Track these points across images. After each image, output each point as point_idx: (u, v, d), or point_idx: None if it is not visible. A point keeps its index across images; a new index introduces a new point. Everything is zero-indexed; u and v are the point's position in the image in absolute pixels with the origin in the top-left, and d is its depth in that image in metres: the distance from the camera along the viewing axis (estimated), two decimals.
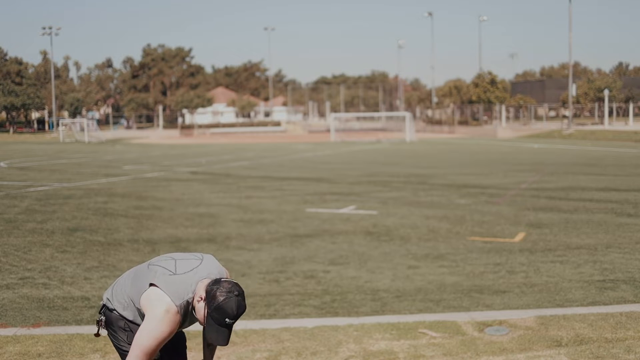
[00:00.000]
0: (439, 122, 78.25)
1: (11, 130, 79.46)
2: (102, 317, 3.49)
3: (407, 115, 58.59)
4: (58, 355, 5.34)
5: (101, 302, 3.57)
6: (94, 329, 6.06)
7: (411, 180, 20.11)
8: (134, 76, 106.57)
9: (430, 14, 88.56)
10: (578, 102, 68.24)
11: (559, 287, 7.43)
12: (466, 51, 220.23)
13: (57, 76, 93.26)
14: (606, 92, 62.22)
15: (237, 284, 3.23)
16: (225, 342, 3.19)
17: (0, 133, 76.40)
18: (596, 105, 67.46)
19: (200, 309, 3.21)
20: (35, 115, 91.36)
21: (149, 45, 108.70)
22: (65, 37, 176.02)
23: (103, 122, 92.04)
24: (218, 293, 3.15)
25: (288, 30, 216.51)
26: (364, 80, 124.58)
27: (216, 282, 3.22)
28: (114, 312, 3.44)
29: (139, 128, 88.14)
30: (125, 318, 3.41)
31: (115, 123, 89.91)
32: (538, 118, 75.85)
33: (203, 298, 3.20)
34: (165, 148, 46.19)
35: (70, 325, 6.27)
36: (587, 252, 9.25)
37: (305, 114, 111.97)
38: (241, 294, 3.19)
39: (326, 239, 10.50)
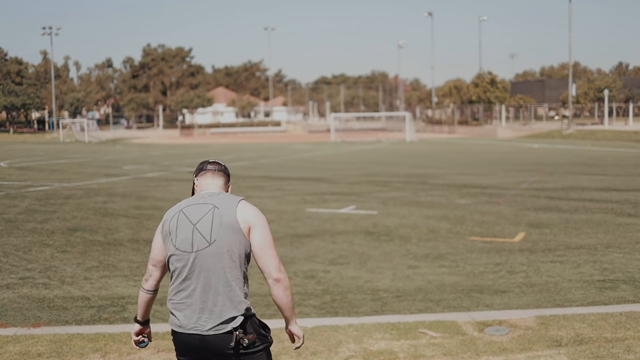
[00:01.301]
0: (439, 122, 78.25)
1: (11, 130, 79.47)
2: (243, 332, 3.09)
3: (407, 115, 58.59)
4: (58, 355, 5.35)
5: (236, 315, 3.08)
6: (94, 328, 6.06)
7: (411, 180, 20.12)
8: (134, 76, 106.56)
9: (430, 14, 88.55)
10: (578, 102, 68.25)
11: (559, 287, 7.44)
12: (466, 51, 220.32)
13: (57, 76, 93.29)
14: (606, 92, 62.23)
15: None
16: None
17: (1, 133, 76.41)
18: (596, 105, 67.47)
19: None
20: (35, 115, 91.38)
21: (149, 45, 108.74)
22: (65, 37, 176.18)
23: (103, 122, 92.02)
24: None
25: (288, 30, 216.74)
26: (364, 80, 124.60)
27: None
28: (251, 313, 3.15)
29: (139, 128, 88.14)
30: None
31: (115, 123, 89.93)
32: (538, 118, 75.86)
33: None
34: (165, 148, 46.19)
35: (70, 325, 6.28)
36: (587, 252, 9.25)
37: (305, 114, 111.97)
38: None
39: (326, 239, 10.51)
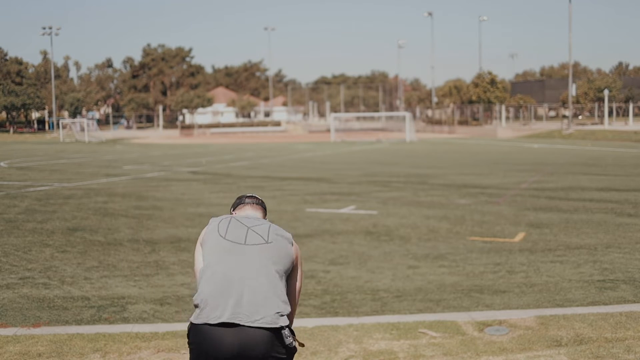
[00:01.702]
0: (439, 122, 78.24)
1: (11, 130, 79.47)
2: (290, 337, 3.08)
3: (407, 115, 58.58)
4: (58, 355, 5.35)
5: (276, 325, 3.01)
6: (94, 328, 6.07)
7: (411, 180, 20.12)
8: (134, 76, 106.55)
9: (430, 14, 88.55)
10: (578, 102, 68.25)
11: (558, 287, 7.44)
12: (466, 51, 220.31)
13: (57, 76, 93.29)
14: (606, 92, 62.24)
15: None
16: None
17: (1, 133, 76.42)
18: (596, 105, 67.47)
19: None
20: (35, 115, 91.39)
21: (149, 45, 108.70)
22: (65, 37, 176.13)
23: (103, 122, 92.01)
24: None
25: (288, 30, 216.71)
26: (364, 80, 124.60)
27: None
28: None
29: (139, 128, 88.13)
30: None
31: (115, 123, 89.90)
32: (538, 118, 75.86)
33: None
34: (165, 148, 46.19)
35: (70, 325, 6.28)
36: (587, 252, 9.25)
37: (306, 114, 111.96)
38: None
39: (326, 239, 10.51)
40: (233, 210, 3.46)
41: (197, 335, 2.97)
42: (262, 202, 3.55)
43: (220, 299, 2.97)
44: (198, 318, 2.97)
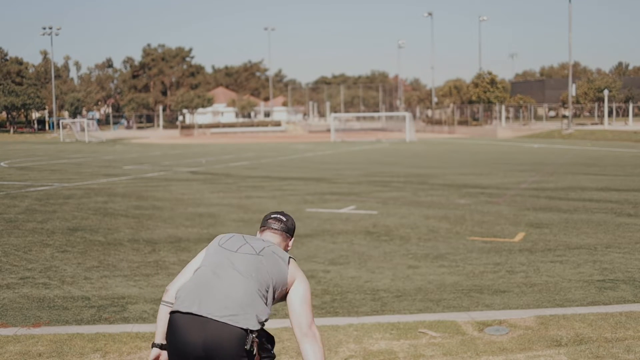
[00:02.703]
0: (439, 122, 78.24)
1: (11, 130, 79.47)
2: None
3: (407, 115, 58.59)
4: (58, 355, 5.35)
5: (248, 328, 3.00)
6: (94, 328, 6.07)
7: (411, 180, 20.12)
8: (134, 76, 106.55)
9: (430, 14, 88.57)
10: (578, 102, 68.25)
11: (558, 287, 7.44)
12: (466, 51, 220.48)
13: (58, 76, 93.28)
14: (606, 92, 62.25)
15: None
16: None
17: (1, 133, 76.41)
18: (596, 105, 67.47)
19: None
20: (35, 115, 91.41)
21: (149, 45, 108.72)
22: (65, 37, 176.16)
23: (103, 122, 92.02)
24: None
25: (288, 30, 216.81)
26: (364, 80, 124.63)
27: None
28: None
29: (139, 128, 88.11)
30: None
31: (115, 123, 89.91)
32: (538, 118, 75.86)
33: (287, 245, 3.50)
34: (166, 148, 46.19)
35: (70, 325, 6.28)
36: (587, 252, 9.25)
37: (306, 114, 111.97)
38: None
39: (326, 239, 10.51)
40: (258, 231, 3.48)
41: (169, 325, 3.03)
42: (288, 225, 3.45)
43: (195, 293, 3.03)
44: (173, 307, 3.07)
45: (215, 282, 3.04)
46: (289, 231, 3.43)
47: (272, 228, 3.39)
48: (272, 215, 3.45)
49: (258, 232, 3.45)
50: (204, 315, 2.92)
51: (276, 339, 5.53)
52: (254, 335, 2.93)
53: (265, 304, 3.08)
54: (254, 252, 3.17)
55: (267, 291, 3.10)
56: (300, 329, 3.08)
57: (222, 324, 2.90)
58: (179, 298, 3.05)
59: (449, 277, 7.98)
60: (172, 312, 3.02)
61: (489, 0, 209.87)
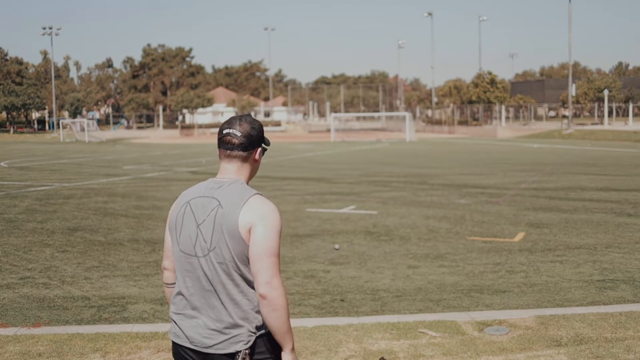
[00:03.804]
0: (439, 122, 78.25)
1: (11, 130, 79.45)
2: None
3: (407, 115, 58.59)
4: (58, 355, 5.35)
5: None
6: (94, 328, 6.07)
7: (411, 180, 20.12)
8: (134, 76, 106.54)
9: (430, 14, 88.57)
10: (578, 102, 68.25)
11: (558, 287, 7.44)
12: (466, 51, 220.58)
13: (58, 76, 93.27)
14: (606, 92, 62.26)
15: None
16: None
17: (1, 133, 76.39)
18: (596, 105, 67.47)
19: (260, 155, 2.80)
20: (35, 115, 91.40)
21: (149, 45, 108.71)
22: (65, 37, 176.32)
23: (103, 122, 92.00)
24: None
25: (288, 30, 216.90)
26: (363, 80, 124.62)
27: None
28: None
29: (139, 128, 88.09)
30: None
31: (115, 123, 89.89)
32: (538, 118, 75.87)
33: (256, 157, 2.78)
34: (166, 148, 46.19)
35: (70, 325, 6.28)
36: (587, 252, 9.25)
37: (305, 114, 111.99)
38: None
39: (326, 239, 10.51)
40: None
41: None
42: (243, 138, 2.69)
43: None
44: None
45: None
46: (247, 147, 2.71)
47: (226, 152, 2.72)
48: (224, 130, 2.71)
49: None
50: None
51: None
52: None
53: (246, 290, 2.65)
54: (207, 250, 2.64)
55: (240, 281, 2.62)
56: (256, 288, 2.56)
57: None
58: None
59: (448, 277, 7.98)
60: None
61: (488, 0, 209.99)
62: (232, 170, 2.73)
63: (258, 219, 2.58)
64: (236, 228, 2.58)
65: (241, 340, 2.60)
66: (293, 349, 2.63)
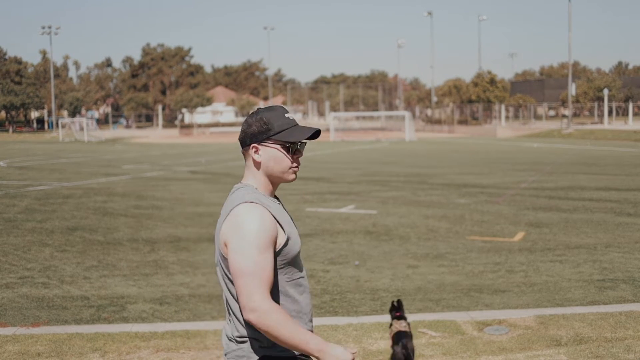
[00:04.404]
0: (439, 122, 78.21)
1: (10, 129, 79.44)
2: None
3: (407, 114, 58.56)
4: (57, 355, 5.34)
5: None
6: (93, 328, 6.06)
7: (411, 179, 20.11)
8: (134, 75, 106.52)
9: (430, 13, 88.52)
10: (577, 101, 68.26)
11: (558, 287, 7.43)
12: (466, 51, 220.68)
13: (57, 75, 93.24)
14: (605, 92, 62.23)
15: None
16: (312, 131, 2.51)
17: (0, 132, 76.36)
18: (596, 104, 67.48)
19: (266, 152, 2.53)
20: (34, 114, 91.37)
21: (148, 44, 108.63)
22: (64, 36, 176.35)
23: (102, 122, 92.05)
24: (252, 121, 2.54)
25: (288, 30, 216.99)
26: (363, 79, 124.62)
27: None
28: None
29: (138, 127, 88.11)
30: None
31: (114, 122, 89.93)
32: (537, 117, 75.87)
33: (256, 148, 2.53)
34: (165, 147, 46.17)
35: (69, 324, 6.27)
36: (587, 252, 9.24)
37: (305, 113, 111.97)
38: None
39: (326, 239, 10.50)
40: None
41: None
42: (241, 131, 2.55)
43: None
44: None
45: None
46: (242, 143, 2.55)
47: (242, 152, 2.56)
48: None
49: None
50: None
51: None
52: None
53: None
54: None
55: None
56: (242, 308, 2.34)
57: None
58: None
59: (448, 277, 7.97)
60: None
61: (488, 0, 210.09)
62: (246, 172, 2.58)
63: (232, 232, 2.35)
64: (221, 242, 2.42)
65: (244, 355, 2.45)
66: (314, 346, 2.32)
